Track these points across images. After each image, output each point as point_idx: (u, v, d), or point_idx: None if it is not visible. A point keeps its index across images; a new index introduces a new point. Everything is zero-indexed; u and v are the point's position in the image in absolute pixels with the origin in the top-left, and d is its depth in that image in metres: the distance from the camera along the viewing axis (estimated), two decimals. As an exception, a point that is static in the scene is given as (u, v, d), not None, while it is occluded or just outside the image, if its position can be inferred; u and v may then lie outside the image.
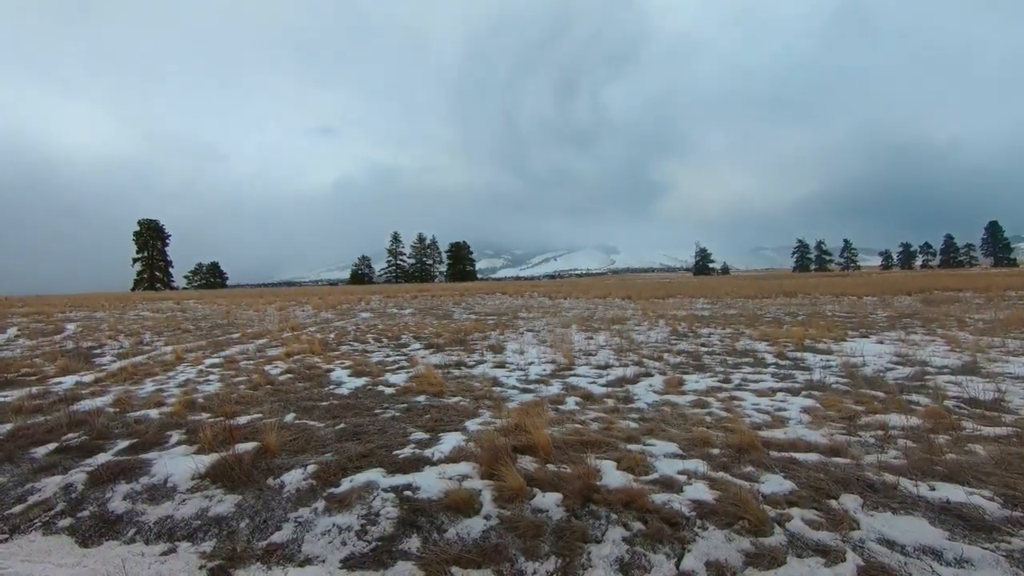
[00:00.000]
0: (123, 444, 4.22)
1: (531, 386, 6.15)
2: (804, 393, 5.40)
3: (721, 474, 3.29)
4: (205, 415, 4.99)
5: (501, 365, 7.51)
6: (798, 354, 7.72)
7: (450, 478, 3.31)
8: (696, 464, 3.45)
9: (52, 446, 4.22)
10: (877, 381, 5.82)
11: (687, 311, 15.89)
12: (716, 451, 3.69)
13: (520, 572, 2.42)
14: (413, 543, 2.67)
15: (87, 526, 3.02)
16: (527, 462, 3.53)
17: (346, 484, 3.28)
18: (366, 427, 4.51)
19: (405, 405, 5.28)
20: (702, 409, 4.96)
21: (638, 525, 2.71)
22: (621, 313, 15.95)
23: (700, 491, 3.04)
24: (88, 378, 7.03)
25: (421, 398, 5.55)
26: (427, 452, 3.80)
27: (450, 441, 4.04)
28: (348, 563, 2.55)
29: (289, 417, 4.88)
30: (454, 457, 3.68)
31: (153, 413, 5.14)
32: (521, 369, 7.17)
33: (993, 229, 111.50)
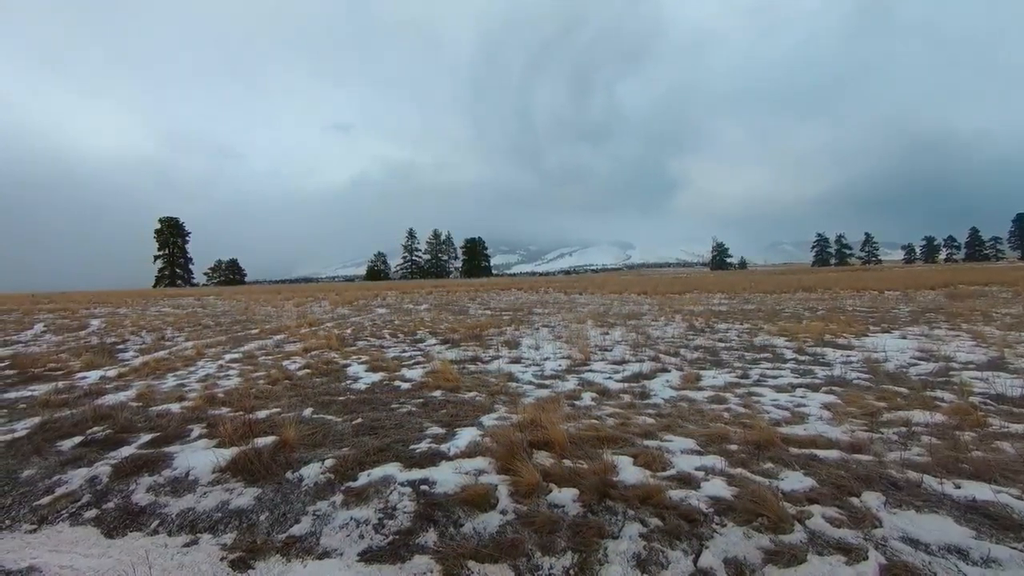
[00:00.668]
0: (146, 438, 4.30)
1: (547, 381, 6.15)
2: (824, 389, 5.32)
3: (739, 471, 3.26)
4: (225, 409, 5.07)
5: (516, 361, 7.51)
6: (818, 350, 7.61)
7: (466, 473, 3.32)
8: (714, 460, 3.41)
9: (78, 439, 4.32)
10: (900, 377, 5.71)
11: (704, 306, 15.74)
12: (734, 447, 3.65)
13: (536, 567, 2.42)
14: (430, 537, 2.68)
15: (112, 517, 3.08)
16: (543, 457, 3.52)
17: (363, 478, 3.31)
18: (383, 422, 4.54)
19: (421, 400, 5.31)
20: (720, 405, 4.91)
21: (655, 521, 2.69)
22: (637, 308, 15.85)
23: (718, 488, 3.01)
24: (112, 373, 7.18)
25: (437, 393, 5.58)
26: (443, 447, 3.82)
27: (466, 436, 4.05)
28: (366, 556, 2.57)
29: (307, 412, 4.93)
30: (470, 452, 3.69)
31: (175, 407, 5.23)
32: (536, 364, 7.16)
33: (1021, 221, 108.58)
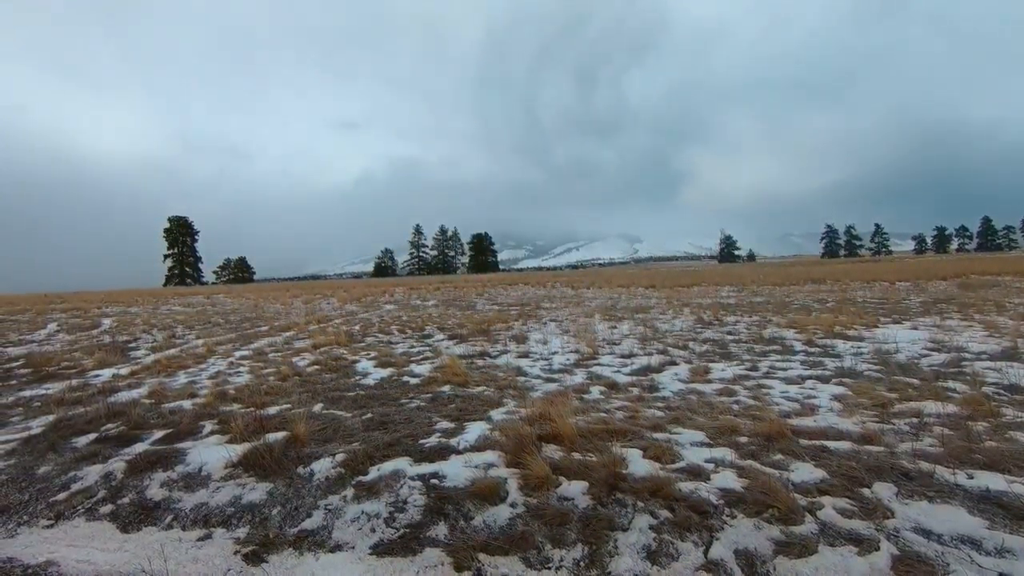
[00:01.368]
0: (159, 434, 4.35)
1: (555, 376, 6.15)
2: (835, 381, 5.29)
3: (749, 462, 3.25)
4: (236, 406, 5.12)
5: (525, 355, 7.52)
6: (828, 341, 7.56)
7: (476, 466, 3.34)
8: (723, 452, 3.40)
9: (92, 436, 4.38)
10: (911, 368, 5.66)
11: (712, 299, 15.68)
12: (744, 439, 3.64)
13: (547, 559, 2.43)
14: (440, 530, 2.70)
15: (127, 512, 3.13)
16: (552, 451, 3.53)
17: (374, 472, 3.33)
18: (392, 417, 4.56)
19: (430, 395, 5.33)
20: (729, 397, 4.90)
21: (665, 513, 2.70)
22: (645, 302, 15.81)
23: (728, 479, 3.01)
24: (124, 371, 7.27)
25: (446, 388, 5.60)
26: (453, 441, 3.83)
27: (475, 430, 4.06)
28: (377, 549, 2.59)
29: (317, 407, 4.97)
30: (479, 446, 3.71)
31: (187, 404, 5.28)
32: (545, 359, 7.17)
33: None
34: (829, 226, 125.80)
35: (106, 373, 7.15)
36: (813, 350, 7.03)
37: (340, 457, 3.56)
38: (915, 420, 3.94)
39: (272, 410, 4.86)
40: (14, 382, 6.89)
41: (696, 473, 3.13)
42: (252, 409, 4.80)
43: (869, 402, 4.49)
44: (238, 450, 3.71)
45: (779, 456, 3.34)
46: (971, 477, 2.92)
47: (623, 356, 7.13)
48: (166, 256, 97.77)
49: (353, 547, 2.64)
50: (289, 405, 5.02)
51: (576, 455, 3.44)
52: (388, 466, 3.40)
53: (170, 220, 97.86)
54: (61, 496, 3.35)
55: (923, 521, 2.52)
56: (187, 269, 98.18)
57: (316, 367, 7.05)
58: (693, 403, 4.72)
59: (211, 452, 3.80)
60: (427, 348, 8.45)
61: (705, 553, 2.39)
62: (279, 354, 8.25)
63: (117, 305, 22.68)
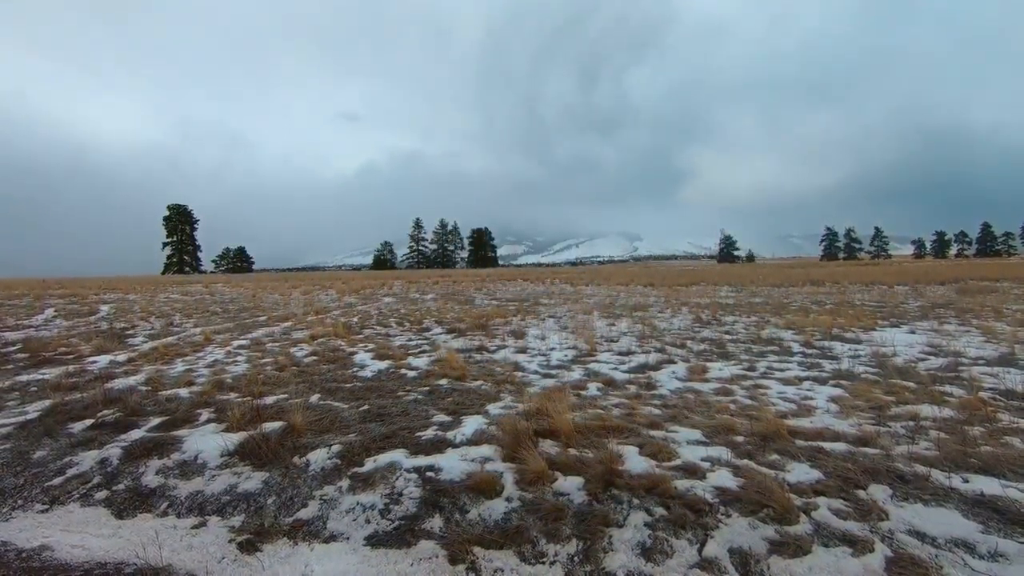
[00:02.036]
0: (155, 421, 4.35)
1: (552, 371, 6.15)
2: (832, 382, 5.29)
3: (745, 462, 3.25)
4: (233, 395, 5.12)
5: (523, 350, 7.52)
6: (826, 343, 7.57)
7: (472, 460, 3.34)
8: (720, 451, 3.41)
9: (88, 422, 4.37)
10: (908, 371, 5.67)
11: (711, 299, 15.68)
12: (740, 439, 3.64)
13: (541, 554, 2.43)
14: (436, 523, 2.70)
15: (122, 499, 3.13)
16: (549, 446, 3.53)
17: (370, 464, 3.33)
18: (389, 409, 4.56)
19: (427, 388, 5.33)
20: (726, 397, 4.90)
21: (660, 511, 2.70)
22: (643, 300, 15.81)
23: (724, 478, 3.01)
24: (122, 358, 7.26)
25: (443, 382, 5.59)
26: (449, 435, 3.83)
27: (472, 424, 4.06)
28: (372, 540, 2.60)
29: (314, 398, 4.96)
30: (476, 440, 3.71)
31: (184, 392, 5.28)
32: (543, 355, 7.17)
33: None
34: (829, 228, 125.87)
35: (103, 360, 7.14)
36: (811, 351, 7.03)
37: (336, 448, 3.56)
38: (911, 423, 3.95)
39: (269, 400, 4.86)
40: (11, 367, 6.88)
41: (692, 471, 3.14)
42: (249, 398, 4.80)
43: (866, 404, 4.49)
44: (234, 439, 3.71)
45: (775, 456, 3.34)
46: (966, 481, 2.92)
47: (621, 354, 7.13)
48: (165, 244, 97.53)
49: (348, 538, 2.64)
50: (286, 395, 5.02)
51: (572, 451, 3.44)
52: (384, 458, 3.40)
53: (169, 208, 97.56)
54: (56, 481, 3.35)
55: (918, 524, 2.53)
56: (186, 258, 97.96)
57: (314, 358, 7.04)
58: (690, 402, 4.72)
59: (207, 440, 3.79)
60: (425, 341, 8.45)
61: (700, 551, 2.40)
62: (277, 344, 8.25)
63: (115, 292, 22.66)
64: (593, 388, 5.31)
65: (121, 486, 3.27)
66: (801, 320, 9.72)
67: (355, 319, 11.51)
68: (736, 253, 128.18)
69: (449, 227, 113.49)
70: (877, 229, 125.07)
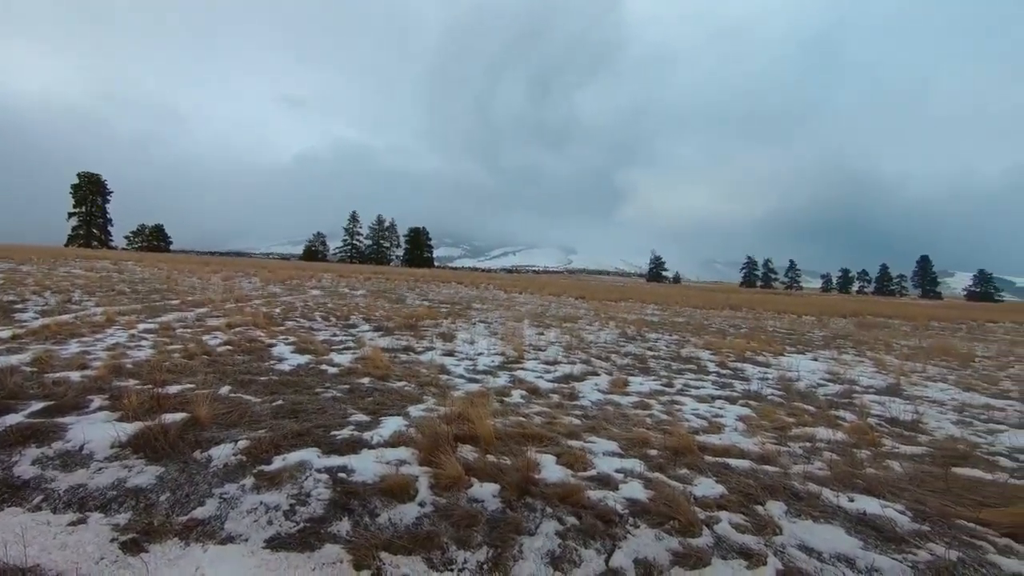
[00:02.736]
0: (38, 406, 3.93)
1: (478, 376, 6.13)
2: (741, 402, 5.60)
3: (657, 475, 3.36)
4: (132, 381, 4.72)
5: (450, 353, 7.45)
6: (738, 365, 8.00)
7: (388, 462, 3.24)
8: (634, 463, 3.50)
9: (-45, 403, 3.90)
10: (809, 395, 6.09)
11: (637, 315, 16.21)
12: (654, 452, 3.77)
13: (450, 560, 2.39)
14: (343, 526, 2.60)
15: (-13, 490, 2.80)
16: (468, 451, 3.50)
17: (278, 462, 3.17)
18: (305, 405, 4.37)
19: (348, 386, 5.16)
20: (644, 411, 5.06)
21: (572, 520, 2.73)
22: (574, 312, 16.12)
23: (635, 490, 3.09)
24: (5, 334, 6.54)
25: (365, 380, 5.43)
26: (366, 435, 3.72)
27: (391, 425, 3.96)
28: (273, 543, 2.46)
29: (224, 390, 4.68)
30: (393, 442, 3.61)
31: (75, 375, 4.82)
32: (470, 359, 7.13)
33: (924, 263, 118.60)
34: (750, 257, 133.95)
35: (-18, 334, 6.41)
36: (725, 372, 7.41)
37: (243, 444, 3.36)
38: (808, 444, 4.24)
39: (173, 389, 4.52)
40: None
41: (606, 482, 3.20)
42: (150, 386, 4.44)
43: (770, 424, 4.78)
44: (129, 429, 3.42)
45: (685, 470, 3.48)
46: (852, 500, 3.15)
47: (548, 363, 7.21)
48: (71, 214, 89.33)
49: (247, 539, 2.48)
50: (193, 385, 4.69)
51: (491, 457, 3.43)
52: (294, 456, 3.24)
53: (80, 176, 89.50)
54: (-93, 468, 2.96)
55: (807, 539, 2.69)
56: (94, 231, 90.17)
57: (228, 347, 6.64)
58: (610, 413, 4.84)
59: (96, 429, 3.47)
60: (350, 338, 8.19)
61: (607, 561, 2.44)
62: (188, 331, 7.72)
63: (7, 261, 20.49)
64: (517, 395, 5.33)
65: (-12, 476, 2.93)
66: (719, 342, 10.23)
67: (278, 310, 10.99)
68: (664, 273, 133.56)
69: (386, 223, 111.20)
70: (792, 262, 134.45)
